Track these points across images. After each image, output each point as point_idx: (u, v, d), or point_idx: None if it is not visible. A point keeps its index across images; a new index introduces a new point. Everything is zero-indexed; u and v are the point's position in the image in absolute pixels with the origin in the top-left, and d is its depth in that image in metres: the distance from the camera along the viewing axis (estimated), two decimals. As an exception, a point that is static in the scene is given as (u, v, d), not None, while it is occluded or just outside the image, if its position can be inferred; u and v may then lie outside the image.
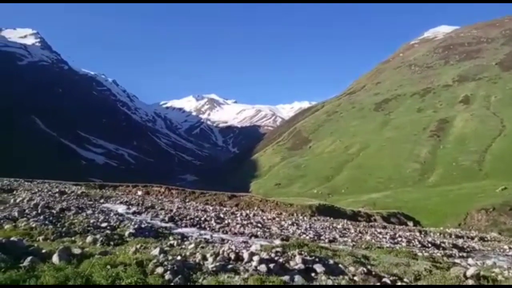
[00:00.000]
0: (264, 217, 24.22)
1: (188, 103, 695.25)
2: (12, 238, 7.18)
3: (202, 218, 18.03)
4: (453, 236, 24.88)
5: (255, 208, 33.31)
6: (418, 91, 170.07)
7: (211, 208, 26.96)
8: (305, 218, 29.40)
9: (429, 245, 17.39)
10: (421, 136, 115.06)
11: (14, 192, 21.39)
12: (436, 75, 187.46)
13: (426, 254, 12.36)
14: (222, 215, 21.22)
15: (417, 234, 23.37)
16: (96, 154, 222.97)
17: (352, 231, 21.05)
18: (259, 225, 18.58)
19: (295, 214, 31.65)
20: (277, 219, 24.49)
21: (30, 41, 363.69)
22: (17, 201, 15.58)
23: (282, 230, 17.84)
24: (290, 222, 22.27)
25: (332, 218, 31.03)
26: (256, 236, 14.20)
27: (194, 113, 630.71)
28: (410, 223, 39.18)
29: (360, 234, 19.45)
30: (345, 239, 16.17)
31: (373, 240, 16.73)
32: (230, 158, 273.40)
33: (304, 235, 16.06)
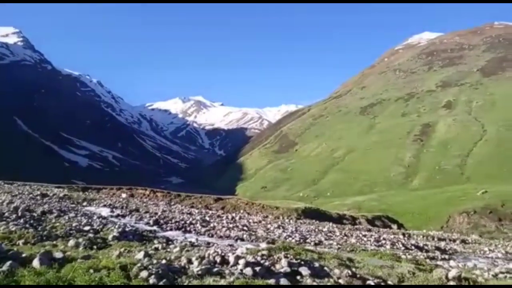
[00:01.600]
0: (250, 220, 24.18)
1: (174, 105, 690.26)
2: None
3: (188, 221, 17.88)
4: (435, 239, 25.31)
5: (241, 211, 33.22)
6: (403, 95, 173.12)
7: (196, 211, 26.77)
8: (291, 221, 29.48)
9: (413, 247, 17.66)
10: (405, 140, 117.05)
11: (-6, 195, 20.81)
12: (420, 80, 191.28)
13: (409, 256, 12.55)
14: (208, 218, 21.10)
15: (401, 237, 23.69)
16: (80, 156, 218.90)
17: (338, 234, 21.21)
18: (245, 228, 18.54)
19: (281, 217, 31.70)
20: (263, 222, 24.48)
21: (12, 40, 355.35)
22: (-3, 204, 15.16)
23: (268, 233, 17.84)
24: (276, 225, 22.29)
25: (317, 221, 31.20)
26: (242, 239, 14.16)
27: (180, 115, 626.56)
28: (394, 226, 39.70)
29: (345, 237, 19.61)
30: (331, 242, 16.27)
31: (358, 243, 16.89)
32: (216, 160, 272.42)
33: (290, 238, 16.10)
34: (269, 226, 21.75)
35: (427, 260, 11.99)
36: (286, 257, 7.51)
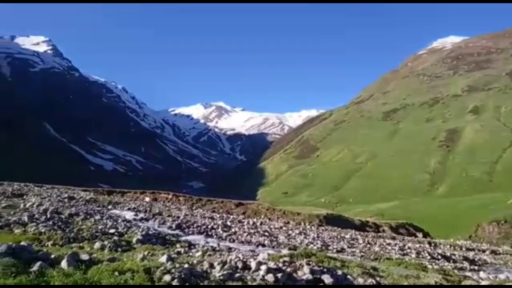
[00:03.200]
0: (271, 226, 24.09)
1: (196, 111, 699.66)
2: (22, 243, 7.24)
3: (209, 226, 17.98)
4: (463, 249, 24.43)
5: (262, 216, 33.16)
6: (427, 101, 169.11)
7: (218, 215, 26.90)
8: (312, 227, 29.18)
9: (439, 257, 17.10)
10: (430, 146, 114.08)
11: (24, 197, 21.60)
12: (445, 85, 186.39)
13: (436, 266, 12.15)
14: (229, 223, 21.16)
15: (427, 245, 23.01)
16: (105, 160, 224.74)
17: (361, 241, 20.81)
18: (266, 234, 18.47)
19: (302, 223, 31.43)
20: (284, 228, 24.33)
21: (42, 48, 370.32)
22: (27, 206, 15.71)
23: (290, 239, 17.71)
24: (297, 232, 22.10)
25: (340, 228, 30.74)
26: (263, 245, 14.11)
27: (202, 121, 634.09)
28: (420, 235, 38.62)
29: (368, 245, 19.21)
30: (353, 249, 15.98)
31: (381, 251, 16.51)
32: (237, 165, 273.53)
33: (311, 245, 15.92)
34: (290, 232, 21.60)
35: (455, 271, 11.58)
36: (308, 264, 7.42)
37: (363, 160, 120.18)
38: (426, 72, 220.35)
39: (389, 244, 20.64)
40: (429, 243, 25.07)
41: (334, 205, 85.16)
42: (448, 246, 24.69)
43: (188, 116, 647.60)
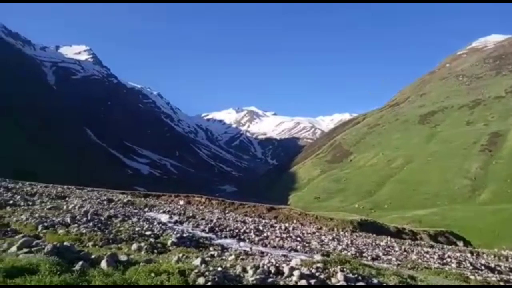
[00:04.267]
0: (304, 231, 23.85)
1: (228, 115, 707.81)
2: (65, 243, 7.62)
3: (242, 230, 18.09)
4: (509, 259, 23.03)
5: (294, 221, 32.92)
6: (467, 103, 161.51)
7: (250, 219, 26.99)
8: (346, 233, 28.60)
9: (483, 268, 16.21)
10: (471, 150, 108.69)
11: (67, 199, 22.71)
12: (487, 86, 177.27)
13: (479, 277, 11.53)
14: (261, 228, 21.17)
15: (468, 255, 21.89)
16: (141, 164, 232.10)
17: (397, 249, 20.15)
18: (299, 239, 18.32)
19: (335, 229, 30.88)
20: (317, 233, 24.02)
21: (83, 57, 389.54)
22: (69, 207, 16.52)
23: (323, 245, 17.46)
24: (330, 237, 21.75)
25: (374, 235, 29.91)
26: (296, 250, 14.01)
27: (234, 125, 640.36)
28: (460, 243, 36.82)
29: (405, 253, 18.56)
30: (389, 257, 15.49)
31: (419, 260, 15.90)
32: (269, 170, 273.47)
33: (345, 251, 15.60)
34: (323, 237, 21.29)
35: (501, 283, 10.94)
36: (342, 271, 7.28)
37: (399, 165, 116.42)
38: (466, 73, 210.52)
39: (427, 252, 19.85)
40: (471, 253, 23.85)
41: (368, 211, 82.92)
42: (492, 256, 23.38)
43: (220, 121, 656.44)
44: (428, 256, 18.07)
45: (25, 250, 6.39)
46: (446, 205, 77.57)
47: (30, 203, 16.55)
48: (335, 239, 21.06)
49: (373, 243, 21.77)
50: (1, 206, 14.51)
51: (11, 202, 15.90)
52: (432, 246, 25.93)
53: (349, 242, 20.09)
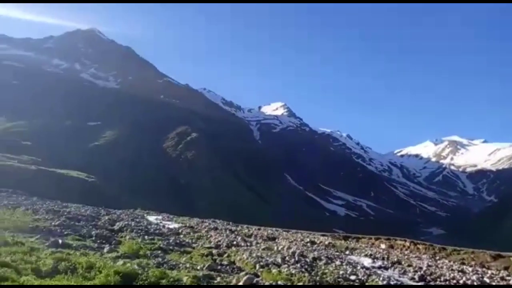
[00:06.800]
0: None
1: (425, 149, 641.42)
2: (278, 282, 8.50)
3: (461, 281, 15.52)
4: None
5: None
6: None
7: (470, 269, 22.83)
8: None
9: None
10: None
11: (276, 240, 25.10)
12: None
13: None
14: (487, 280, 17.57)
15: None
16: (337, 205, 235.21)
17: None
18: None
19: None
20: None
21: (280, 112, 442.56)
22: (279, 248, 18.24)
23: None
24: None
25: None
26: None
27: (433, 159, 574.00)
28: None
29: None
30: None
31: None
32: (486, 208, 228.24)
33: None
34: None
35: None
36: None
37: None
38: None
39: None
40: None
41: None
42: None
43: (416, 155, 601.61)
44: None
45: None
46: None
47: (248, 244, 19.14)
48: None
49: None
50: (228, 246, 17.38)
51: (234, 242, 18.84)
52: None
53: None
